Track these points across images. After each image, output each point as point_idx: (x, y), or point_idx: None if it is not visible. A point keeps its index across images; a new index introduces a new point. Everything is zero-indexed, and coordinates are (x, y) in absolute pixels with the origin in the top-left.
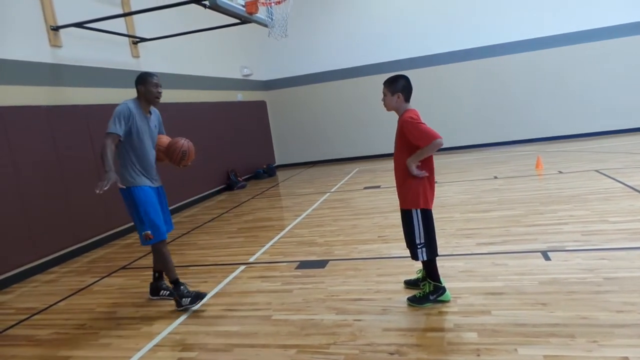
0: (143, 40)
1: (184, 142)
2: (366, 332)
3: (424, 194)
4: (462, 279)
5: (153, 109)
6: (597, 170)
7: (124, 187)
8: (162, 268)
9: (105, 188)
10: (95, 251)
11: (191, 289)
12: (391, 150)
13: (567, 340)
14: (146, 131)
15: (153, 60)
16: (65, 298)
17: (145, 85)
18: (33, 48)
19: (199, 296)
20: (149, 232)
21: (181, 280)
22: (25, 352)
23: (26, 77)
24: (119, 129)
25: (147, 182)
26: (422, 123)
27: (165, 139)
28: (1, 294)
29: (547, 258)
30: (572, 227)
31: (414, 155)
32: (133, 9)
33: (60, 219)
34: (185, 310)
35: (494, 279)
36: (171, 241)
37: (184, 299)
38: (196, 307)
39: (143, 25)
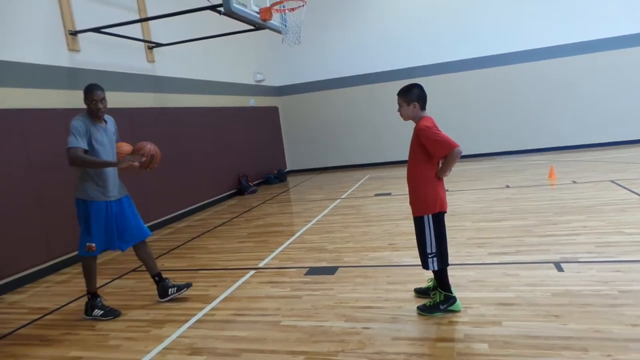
0: (158, 45)
1: (150, 146)
2: (375, 340)
3: (439, 197)
4: (473, 289)
5: (108, 116)
6: (612, 181)
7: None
8: (85, 279)
9: (138, 160)
10: (107, 253)
11: (106, 304)
12: (402, 157)
13: (580, 354)
14: (104, 142)
15: (168, 65)
16: (77, 299)
17: (86, 100)
18: (52, 52)
19: (112, 312)
20: (94, 245)
21: (99, 294)
22: (37, 351)
23: (45, 81)
24: (80, 142)
25: (103, 197)
26: (439, 131)
27: (125, 147)
28: (15, 293)
29: (560, 269)
30: (586, 238)
31: (441, 170)
32: (149, 15)
33: (74, 220)
34: (94, 319)
35: (506, 290)
36: (181, 245)
37: (96, 310)
38: (106, 319)
39: (159, 30)
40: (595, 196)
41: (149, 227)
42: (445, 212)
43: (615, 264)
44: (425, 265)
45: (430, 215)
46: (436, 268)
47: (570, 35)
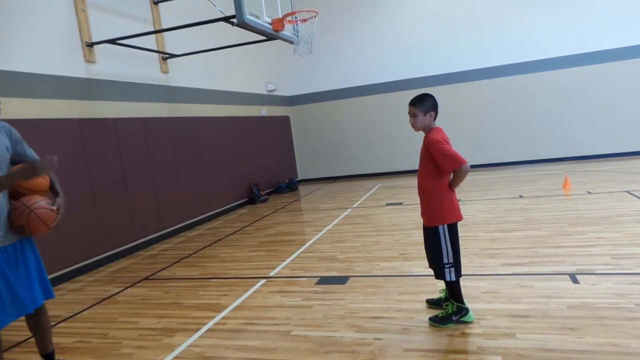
0: (172, 56)
1: (29, 205)
2: (386, 351)
3: (451, 208)
4: (486, 300)
5: (3, 123)
6: (628, 192)
7: None
8: None
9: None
10: (120, 261)
11: None
12: (413, 166)
13: None
14: None
15: (181, 75)
16: (90, 307)
17: None
18: (69, 64)
19: None
20: None
21: None
22: None
23: (62, 92)
24: None
25: None
26: (449, 146)
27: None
28: None
29: (575, 281)
30: (601, 250)
31: (453, 182)
32: (164, 27)
33: (88, 228)
34: None
35: (519, 301)
36: (193, 253)
37: None
38: None
39: (173, 41)
40: (611, 207)
41: (162, 235)
42: (461, 219)
43: (632, 276)
44: (440, 276)
45: (445, 226)
46: (453, 279)
47: (586, 45)
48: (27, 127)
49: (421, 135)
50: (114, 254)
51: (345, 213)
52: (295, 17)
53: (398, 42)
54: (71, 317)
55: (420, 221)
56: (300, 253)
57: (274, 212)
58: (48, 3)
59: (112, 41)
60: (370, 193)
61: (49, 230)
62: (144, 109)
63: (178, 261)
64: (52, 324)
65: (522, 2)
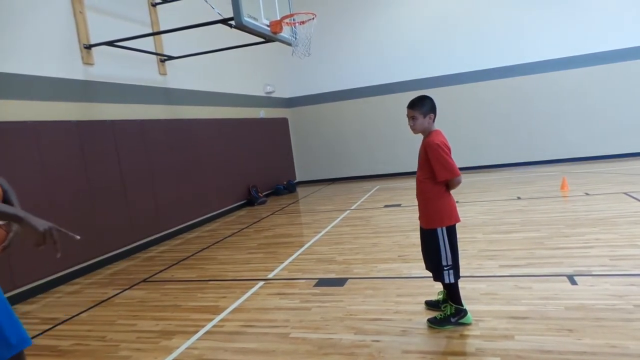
0: (170, 58)
1: None
2: (385, 353)
3: (449, 210)
4: (484, 302)
5: None
6: (626, 193)
7: None
8: None
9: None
10: (118, 263)
11: None
12: (412, 168)
13: None
14: None
15: (179, 77)
16: (88, 309)
17: None
18: (67, 66)
19: None
20: None
21: None
22: None
23: (60, 94)
24: None
25: None
26: (448, 155)
27: None
28: (27, 303)
29: (573, 282)
30: (599, 251)
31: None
32: (162, 29)
33: (86, 230)
34: None
35: (518, 303)
36: (191, 255)
37: None
38: None
39: (171, 43)
40: (609, 208)
41: (160, 237)
42: (459, 221)
43: (630, 277)
44: (439, 278)
45: (444, 228)
46: (452, 281)
47: (583, 47)
48: (25, 129)
49: (420, 136)
50: (111, 256)
51: (344, 215)
52: (294, 19)
53: (397, 44)
54: (69, 319)
55: (418, 223)
56: (299, 255)
57: (272, 214)
58: (46, 5)
59: (110, 43)
60: (368, 195)
61: None
62: (142, 110)
63: (176, 263)
64: (50, 326)
65: (521, 4)
